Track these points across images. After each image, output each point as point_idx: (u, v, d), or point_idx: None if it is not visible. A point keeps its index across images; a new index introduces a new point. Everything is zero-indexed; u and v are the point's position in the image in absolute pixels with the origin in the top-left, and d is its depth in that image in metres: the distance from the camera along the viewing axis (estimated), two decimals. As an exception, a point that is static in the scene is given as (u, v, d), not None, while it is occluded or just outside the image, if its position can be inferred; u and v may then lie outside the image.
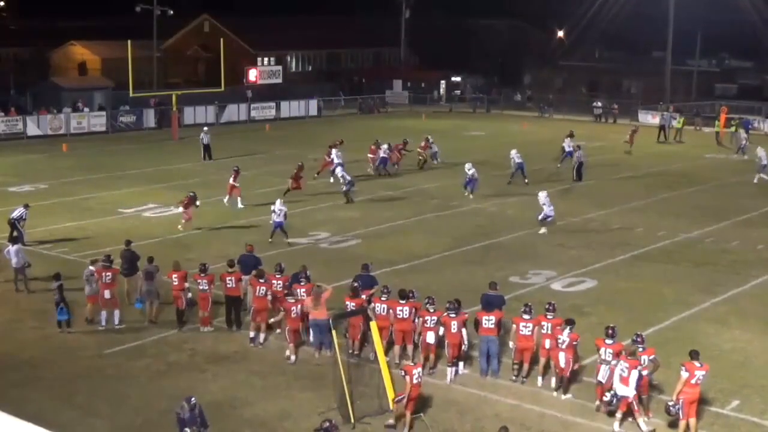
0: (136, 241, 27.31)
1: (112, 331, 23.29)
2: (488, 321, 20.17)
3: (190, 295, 23.46)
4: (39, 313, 24.10)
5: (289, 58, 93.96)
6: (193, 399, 16.09)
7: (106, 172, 45.61)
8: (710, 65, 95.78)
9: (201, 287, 23.05)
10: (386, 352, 20.28)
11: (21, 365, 21.18)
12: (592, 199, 39.99)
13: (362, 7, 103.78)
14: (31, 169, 46.79)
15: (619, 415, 17.90)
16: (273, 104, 72.07)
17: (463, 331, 20.22)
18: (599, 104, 74.13)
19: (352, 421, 17.93)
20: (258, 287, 22.38)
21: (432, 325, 20.28)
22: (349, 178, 38.49)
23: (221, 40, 62.67)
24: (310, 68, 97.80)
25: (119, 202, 38.39)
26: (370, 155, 45.91)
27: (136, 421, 18.02)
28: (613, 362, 18.48)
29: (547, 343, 19.73)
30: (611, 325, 19.04)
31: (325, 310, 21.10)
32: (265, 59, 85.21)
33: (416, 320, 20.72)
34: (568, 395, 19.32)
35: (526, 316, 19.88)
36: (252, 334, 22.47)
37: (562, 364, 19.13)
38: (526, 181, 42.47)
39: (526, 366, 20.12)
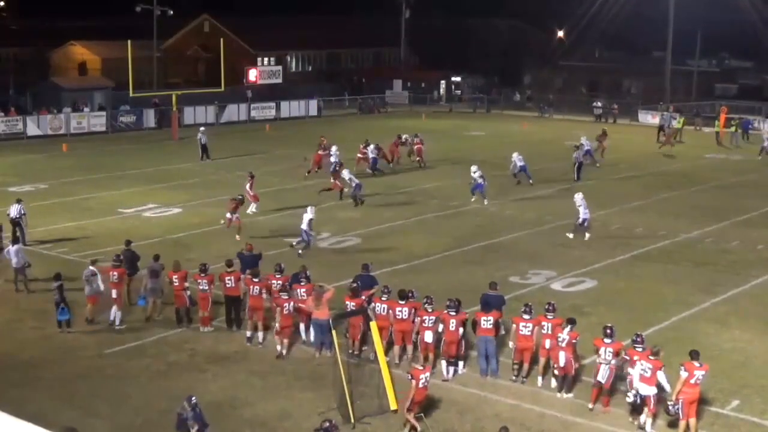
0: (136, 241, 27.34)
1: (113, 331, 23.29)
2: (486, 321, 20.18)
3: (189, 293, 23.47)
4: (39, 313, 24.10)
5: (289, 58, 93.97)
6: (193, 398, 16.14)
7: (106, 172, 45.61)
8: (710, 65, 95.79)
9: (201, 287, 23.07)
10: (386, 352, 20.30)
11: (21, 365, 21.18)
12: (593, 199, 39.79)
13: (362, 7, 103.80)
14: (31, 169, 46.79)
15: (644, 418, 17.89)
16: (273, 104, 72.08)
17: (461, 330, 20.24)
18: (599, 104, 74.16)
19: (352, 421, 17.94)
20: (252, 286, 22.40)
21: (430, 325, 20.30)
22: (357, 181, 38.12)
23: (221, 40, 62.67)
24: (310, 68, 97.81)
25: (119, 202, 38.39)
26: (359, 155, 45.93)
27: (136, 421, 18.02)
28: (613, 362, 18.51)
29: (548, 343, 19.74)
30: (609, 325, 19.06)
31: (327, 310, 21.11)
32: (265, 59, 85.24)
33: (416, 320, 20.74)
34: (570, 394, 19.30)
35: (526, 316, 19.89)
36: (249, 333, 22.49)
37: (562, 362, 19.13)
38: (531, 181, 42.56)
39: (526, 366, 20.13)
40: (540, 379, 20.00)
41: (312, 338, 22.00)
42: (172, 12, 74.40)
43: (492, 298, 21.28)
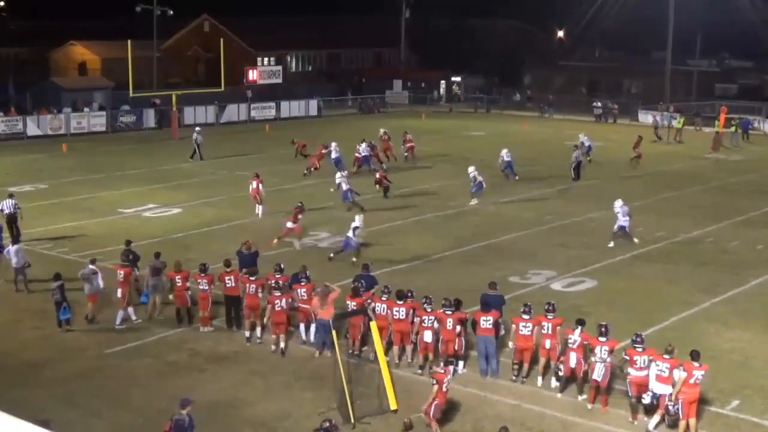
0: (136, 241, 27.32)
1: (113, 331, 23.29)
2: (486, 321, 20.19)
3: (190, 293, 23.49)
4: (39, 313, 24.10)
5: (289, 58, 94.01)
6: (188, 404, 16.01)
7: (106, 172, 45.63)
8: (710, 65, 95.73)
9: (201, 287, 23.09)
10: (386, 352, 20.30)
11: (21, 365, 21.19)
12: (593, 199, 39.97)
13: (362, 7, 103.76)
14: (31, 169, 46.82)
15: (657, 418, 17.91)
16: (273, 104, 72.11)
17: (458, 329, 20.23)
18: (599, 104, 74.18)
19: (352, 421, 17.94)
20: (249, 285, 22.42)
21: (429, 325, 20.31)
22: (346, 186, 37.06)
23: (221, 40, 62.71)
24: (310, 68, 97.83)
25: (119, 202, 38.40)
26: (357, 155, 46.02)
27: (136, 421, 18.02)
28: (609, 360, 18.53)
29: (548, 344, 19.75)
30: (603, 323, 19.04)
31: (332, 310, 21.14)
32: (265, 59, 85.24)
33: (415, 320, 20.75)
34: (584, 395, 19.24)
35: (525, 316, 19.89)
36: (247, 333, 22.52)
37: (573, 364, 19.10)
38: (517, 177, 42.94)
39: (526, 366, 20.13)
40: (540, 379, 20.00)
41: (313, 338, 22.03)
42: (172, 12, 74.41)
43: (491, 298, 21.28)
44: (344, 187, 36.75)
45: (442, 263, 29.58)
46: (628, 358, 18.25)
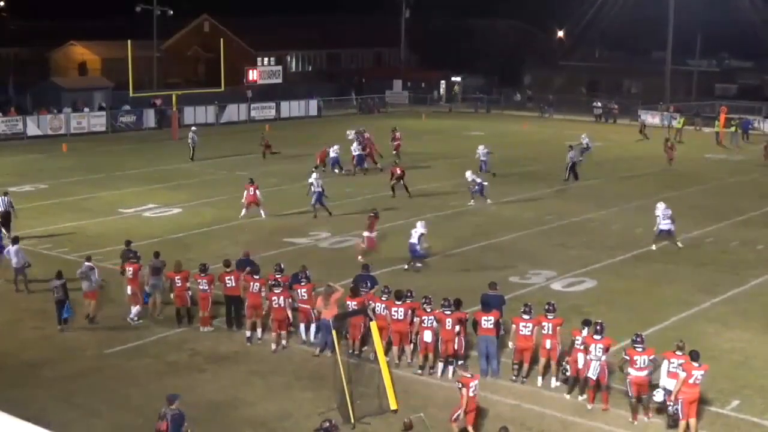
0: (136, 241, 27.32)
1: (113, 330, 23.30)
2: (487, 321, 20.19)
3: (190, 293, 23.49)
4: (39, 313, 24.10)
5: (289, 58, 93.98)
6: (176, 399, 16.04)
7: (106, 172, 45.64)
8: (710, 65, 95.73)
9: (201, 287, 23.09)
10: (386, 352, 20.30)
11: (21, 365, 21.19)
12: (592, 199, 39.99)
13: (362, 7, 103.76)
14: (32, 169, 46.82)
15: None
16: (273, 104, 72.12)
17: (457, 329, 20.23)
18: (599, 104, 74.20)
19: (352, 421, 17.93)
20: (252, 283, 22.43)
21: (429, 325, 20.31)
22: (319, 189, 35.83)
23: (221, 40, 62.72)
24: (310, 68, 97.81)
25: (119, 202, 38.40)
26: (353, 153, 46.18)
27: (136, 422, 18.00)
28: (603, 358, 18.54)
29: (548, 344, 19.75)
30: (599, 321, 19.06)
31: (335, 310, 21.15)
32: (265, 59, 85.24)
33: (415, 320, 20.75)
34: (584, 396, 19.25)
35: (525, 316, 19.89)
36: (248, 333, 22.52)
37: (581, 364, 19.08)
38: (493, 174, 43.35)
39: (525, 366, 20.13)
40: (540, 379, 20.00)
41: (313, 338, 22.05)
42: (172, 12, 74.42)
43: (492, 298, 21.28)
44: (315, 189, 35.82)
45: (442, 263, 29.56)
46: (628, 357, 18.25)
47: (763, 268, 29.30)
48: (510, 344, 20.77)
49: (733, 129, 59.09)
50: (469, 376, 17.35)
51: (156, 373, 20.67)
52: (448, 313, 20.22)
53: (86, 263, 24.18)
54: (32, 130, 58.63)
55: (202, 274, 23.15)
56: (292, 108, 73.17)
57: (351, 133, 50.33)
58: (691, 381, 17.40)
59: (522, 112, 77.40)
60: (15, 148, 54.09)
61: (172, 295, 23.73)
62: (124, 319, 23.80)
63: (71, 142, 55.49)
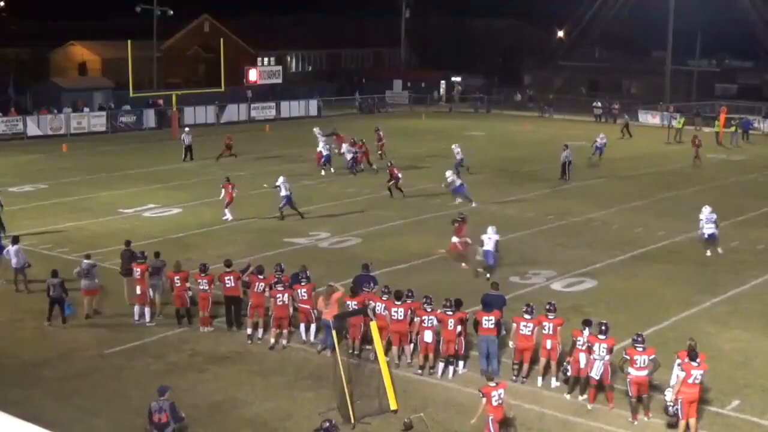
0: (136, 241, 27.32)
1: (113, 330, 23.31)
2: (488, 321, 20.19)
3: (190, 293, 23.50)
4: (39, 313, 24.07)
5: (289, 58, 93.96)
6: (167, 391, 16.40)
7: (106, 172, 45.64)
8: (710, 65, 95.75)
9: (201, 287, 23.10)
10: (386, 352, 20.29)
11: (21, 365, 21.18)
12: (592, 198, 39.99)
13: (362, 7, 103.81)
14: (32, 169, 46.83)
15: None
16: (273, 104, 72.13)
17: (459, 329, 20.24)
18: (599, 104, 74.20)
19: (353, 421, 17.93)
20: (258, 283, 22.44)
21: (430, 325, 20.30)
22: (287, 193, 35.09)
23: (221, 40, 62.69)
24: (310, 68, 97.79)
25: (119, 202, 38.39)
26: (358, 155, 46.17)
27: (136, 422, 17.98)
28: (607, 357, 18.54)
29: (548, 344, 19.75)
30: (603, 321, 19.06)
31: (335, 310, 21.15)
32: (265, 59, 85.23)
33: (415, 320, 20.76)
34: (584, 396, 19.26)
35: (527, 316, 19.88)
36: (249, 330, 22.54)
37: (582, 365, 19.08)
38: (466, 168, 43.75)
39: (526, 366, 20.12)
40: (540, 379, 20.00)
41: (313, 338, 22.06)
42: (172, 12, 74.39)
43: (493, 298, 21.28)
44: (284, 192, 35.06)
45: (441, 263, 29.53)
46: (628, 357, 18.25)
47: (763, 268, 29.29)
48: (510, 344, 20.76)
49: (733, 129, 59.13)
50: (493, 385, 17.09)
51: (156, 373, 20.65)
52: (450, 313, 20.21)
53: (86, 261, 24.29)
54: (32, 130, 58.64)
55: (202, 274, 23.15)
56: (292, 108, 73.15)
57: (318, 131, 50.49)
58: (690, 381, 17.40)
59: (522, 112, 77.40)
60: (15, 148, 54.10)
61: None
62: (125, 318, 23.80)
63: (71, 142, 55.49)
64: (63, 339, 22.81)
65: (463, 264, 28.51)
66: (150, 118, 64.91)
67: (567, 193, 41.44)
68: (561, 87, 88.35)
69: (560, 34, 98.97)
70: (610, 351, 18.64)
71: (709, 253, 30.61)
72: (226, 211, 34.94)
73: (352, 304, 21.38)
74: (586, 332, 19.03)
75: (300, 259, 26.06)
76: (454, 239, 28.63)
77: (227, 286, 22.99)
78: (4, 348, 22.26)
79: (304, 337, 22.32)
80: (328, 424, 15.16)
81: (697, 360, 17.53)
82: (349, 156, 45.62)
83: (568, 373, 19.51)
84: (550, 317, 19.82)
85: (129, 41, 54.41)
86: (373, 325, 19.79)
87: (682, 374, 17.43)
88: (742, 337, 23.15)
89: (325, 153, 45.64)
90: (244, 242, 31.48)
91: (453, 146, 45.01)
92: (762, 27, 78.19)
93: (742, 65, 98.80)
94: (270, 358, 21.55)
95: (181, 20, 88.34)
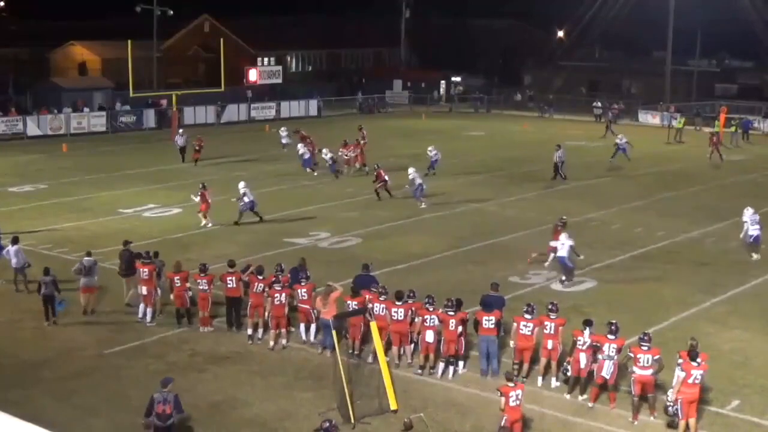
0: (135, 242, 27.30)
1: (112, 330, 23.32)
2: (488, 321, 20.19)
3: (190, 294, 23.49)
4: (39, 313, 24.02)
5: (289, 58, 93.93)
6: (170, 382, 16.72)
7: (106, 172, 45.63)
8: (710, 65, 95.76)
9: (201, 287, 23.09)
10: (385, 352, 20.28)
11: (21, 365, 21.18)
12: (592, 199, 39.99)
13: (362, 7, 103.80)
14: (32, 169, 46.82)
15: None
16: (273, 104, 72.14)
17: (460, 329, 20.24)
18: (599, 104, 74.19)
19: (353, 421, 17.93)
20: (257, 284, 22.45)
21: (431, 324, 20.30)
22: (251, 197, 34.51)
23: (221, 40, 62.64)
24: (310, 68, 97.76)
25: (119, 202, 38.39)
26: (345, 156, 45.95)
27: (136, 421, 17.94)
28: (617, 357, 18.55)
29: (549, 344, 19.75)
30: (613, 321, 19.05)
31: (334, 310, 21.15)
32: (265, 59, 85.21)
33: (416, 319, 20.75)
34: (585, 396, 19.26)
35: (527, 316, 19.87)
36: (250, 331, 22.54)
37: (583, 365, 19.09)
38: (433, 172, 43.86)
39: (526, 366, 20.12)
40: (540, 379, 19.99)
41: (314, 338, 22.07)
42: (172, 12, 74.41)
43: (492, 299, 21.27)
44: (248, 198, 34.33)
45: (442, 263, 29.56)
46: (632, 355, 18.26)
47: (764, 268, 29.29)
48: (511, 343, 20.75)
49: (733, 129, 59.13)
50: (511, 385, 17.08)
51: (156, 373, 20.60)
52: (452, 313, 20.21)
53: (88, 258, 24.45)
54: (32, 130, 58.65)
55: (202, 275, 23.15)
56: (292, 108, 73.16)
57: (284, 131, 50.64)
58: (690, 381, 17.40)
59: (522, 112, 77.38)
60: (15, 148, 54.10)
61: (171, 296, 23.72)
62: (124, 318, 23.82)
63: (71, 142, 55.48)
64: (62, 339, 22.81)
65: (546, 264, 28.64)
66: (150, 118, 64.93)
67: (566, 193, 41.43)
68: (561, 87, 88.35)
69: (560, 34, 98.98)
70: (619, 351, 18.64)
71: (755, 256, 30.27)
72: (202, 217, 34.06)
73: (353, 304, 21.37)
74: (587, 332, 19.03)
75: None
76: (553, 243, 28.14)
77: (228, 286, 22.98)
78: (3, 348, 22.26)
79: (303, 337, 22.32)
80: (328, 424, 15.16)
81: (698, 360, 17.53)
82: (306, 156, 44.97)
83: (568, 373, 19.51)
84: (552, 317, 19.81)
85: (129, 41, 54.35)
86: (373, 326, 19.79)
87: (682, 374, 17.44)
88: (742, 337, 23.15)
89: (302, 154, 45.10)
90: (243, 242, 31.46)
91: (429, 148, 45.06)
92: (762, 27, 78.19)
93: (742, 65, 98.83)
94: (270, 359, 21.55)
95: (181, 20, 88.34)
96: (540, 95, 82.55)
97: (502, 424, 16.82)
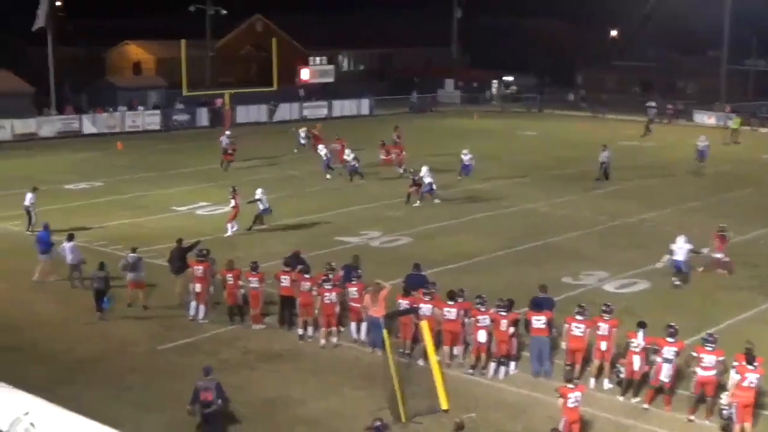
0: (188, 239, 27.42)
1: (164, 327, 23.52)
2: (538, 321, 20.09)
3: (243, 291, 23.61)
4: (93, 309, 24.32)
5: (341, 58, 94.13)
6: (211, 371, 17.42)
7: (160, 170, 46.05)
8: (767, 65, 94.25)
9: (252, 285, 23.22)
10: (436, 352, 20.22)
11: (76, 361, 21.44)
12: (646, 199, 39.60)
13: (415, 6, 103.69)
14: (87, 166, 47.39)
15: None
16: (325, 103, 72.38)
17: (511, 330, 20.15)
18: (653, 104, 73.41)
19: (403, 420, 17.92)
20: (303, 282, 22.52)
21: (483, 324, 20.23)
22: (267, 204, 33.79)
23: (274, 39, 62.87)
24: (362, 67, 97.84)
25: (172, 200, 38.72)
26: (382, 156, 45.72)
27: (189, 418, 18.09)
28: (676, 360, 18.37)
29: (603, 345, 19.59)
30: (672, 324, 18.87)
31: (382, 308, 21.15)
32: (317, 58, 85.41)
33: (468, 320, 20.70)
34: (638, 398, 19.11)
35: (579, 317, 19.75)
36: (300, 331, 22.61)
37: (636, 367, 18.95)
38: (458, 179, 42.56)
39: (578, 367, 19.97)
40: (593, 381, 19.83)
41: (364, 336, 22.09)
42: (225, 12, 74.90)
43: (542, 300, 21.16)
44: (262, 206, 33.54)
45: (493, 263, 29.46)
46: (696, 355, 18.10)
47: (821, 270, 28.81)
48: (562, 344, 20.61)
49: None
50: (571, 387, 17.03)
51: (208, 370, 20.78)
52: (504, 313, 20.15)
53: (132, 254, 24.82)
54: (88, 128, 59.46)
55: (253, 272, 23.28)
56: (344, 107, 73.34)
57: (302, 132, 51.06)
58: (745, 384, 17.19)
59: (575, 112, 76.86)
60: (71, 145, 54.82)
61: (224, 293, 23.87)
62: (176, 314, 24.03)
63: (126, 141, 56.05)
64: (116, 335, 23.05)
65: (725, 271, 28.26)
66: (203, 116, 65.45)
67: (620, 194, 41.07)
68: (614, 87, 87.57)
69: (614, 33, 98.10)
70: (678, 354, 18.46)
71: None
72: (228, 226, 33.06)
73: (404, 303, 21.35)
74: (641, 334, 18.87)
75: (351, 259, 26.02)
76: (718, 255, 28.14)
77: (282, 285, 23.06)
78: (59, 344, 22.55)
79: (354, 335, 22.35)
80: (379, 423, 15.17)
81: (754, 363, 17.30)
82: (324, 157, 44.34)
83: (621, 375, 19.36)
84: (605, 318, 19.67)
85: (182, 41, 54.79)
86: (424, 325, 19.77)
87: (737, 377, 17.25)
88: (800, 340, 22.76)
89: (325, 154, 44.54)
90: (294, 242, 31.50)
91: (463, 151, 43.43)
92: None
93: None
94: (322, 357, 21.61)
95: (234, 19, 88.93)
96: (593, 95, 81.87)
97: (561, 426, 16.70)
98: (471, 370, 20.51)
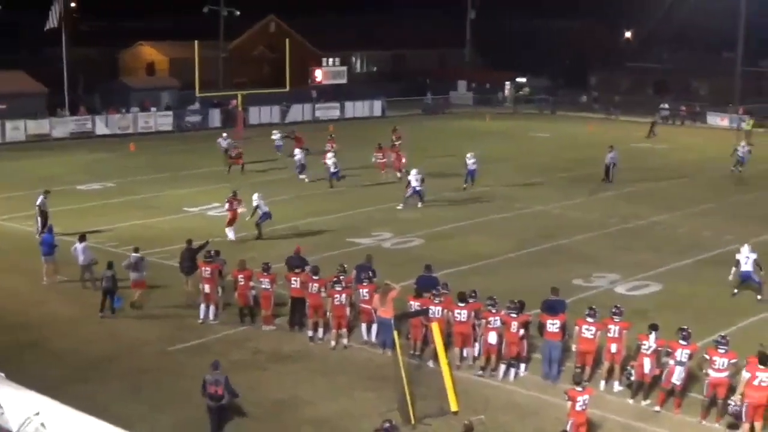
0: (199, 240, 27.45)
1: (174, 327, 23.57)
2: (552, 325, 20.05)
3: (254, 292, 23.64)
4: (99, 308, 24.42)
5: (353, 59, 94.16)
6: (220, 365, 17.61)
7: (172, 171, 46.13)
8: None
9: (263, 286, 23.25)
10: (446, 353, 20.21)
11: (87, 361, 21.51)
12: (658, 201, 39.51)
13: (427, 7, 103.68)
14: (100, 167, 47.51)
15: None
16: (337, 104, 72.43)
17: (522, 332, 20.14)
18: (666, 106, 73.21)
19: (413, 422, 17.92)
20: (312, 284, 22.55)
21: (494, 326, 20.22)
22: (265, 209, 32.84)
23: (287, 40, 62.95)
24: (374, 69, 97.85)
25: (184, 201, 38.78)
26: (379, 160, 44.83)
27: (200, 418, 18.12)
28: (688, 363, 18.33)
29: (613, 347, 19.56)
30: (685, 327, 18.83)
31: (391, 309, 21.15)
32: (330, 60, 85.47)
33: (479, 322, 20.69)
34: (648, 401, 19.08)
35: (590, 319, 19.73)
36: (311, 333, 22.63)
37: (647, 369, 18.91)
38: (464, 186, 41.19)
39: (588, 369, 19.94)
40: (603, 383, 19.80)
41: (374, 338, 22.09)
42: (238, 13, 75.05)
43: (555, 303, 21.12)
44: (261, 211, 32.64)
45: (505, 265, 29.44)
46: (708, 357, 18.06)
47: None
48: (573, 347, 20.58)
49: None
50: (580, 390, 16.99)
51: (219, 370, 20.82)
52: (514, 315, 20.13)
53: (134, 254, 25.02)
54: (101, 129, 59.63)
55: (265, 273, 23.32)
56: (356, 108, 73.39)
57: (276, 134, 50.39)
58: (755, 383, 17.14)
59: (588, 114, 76.68)
60: (84, 146, 54.99)
61: (235, 294, 23.91)
62: (187, 314, 24.09)
63: (138, 141, 56.20)
64: (126, 335, 23.12)
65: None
66: (215, 118, 65.60)
67: (632, 196, 40.98)
68: (628, 89, 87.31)
69: (627, 34, 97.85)
70: (691, 357, 18.45)
71: None
72: (227, 230, 32.39)
73: (415, 304, 21.36)
74: (653, 337, 18.84)
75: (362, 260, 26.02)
76: None
77: (293, 286, 23.09)
78: (70, 344, 22.63)
79: (365, 336, 22.37)
80: (388, 424, 15.17)
81: (766, 363, 17.24)
82: (297, 162, 43.67)
83: (632, 378, 19.32)
84: (616, 320, 19.65)
85: (196, 42, 54.92)
86: (434, 326, 19.77)
87: (747, 375, 17.23)
88: (812, 343, 22.66)
89: (298, 159, 43.77)
90: (306, 242, 31.55)
91: (467, 155, 41.91)
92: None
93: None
94: (332, 358, 21.63)
95: (248, 20, 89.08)
96: (606, 97, 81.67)
97: (568, 428, 16.67)
98: (481, 372, 20.50)
